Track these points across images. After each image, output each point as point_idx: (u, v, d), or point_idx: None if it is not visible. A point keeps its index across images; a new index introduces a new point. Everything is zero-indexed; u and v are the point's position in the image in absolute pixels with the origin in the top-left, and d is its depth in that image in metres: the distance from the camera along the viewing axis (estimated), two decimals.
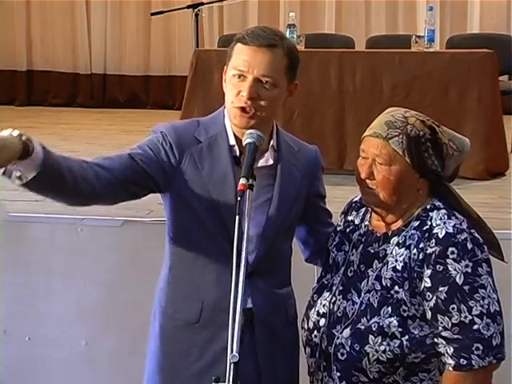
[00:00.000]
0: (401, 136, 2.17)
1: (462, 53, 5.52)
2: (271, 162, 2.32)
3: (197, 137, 2.33)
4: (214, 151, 2.31)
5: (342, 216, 2.41)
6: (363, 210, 2.35)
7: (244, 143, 2.19)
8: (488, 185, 5.06)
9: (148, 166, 2.26)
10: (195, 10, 6.36)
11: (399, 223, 2.22)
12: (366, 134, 2.24)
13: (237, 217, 2.01)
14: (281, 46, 2.25)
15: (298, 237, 2.52)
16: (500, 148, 5.31)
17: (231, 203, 2.25)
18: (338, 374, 2.18)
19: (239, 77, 2.23)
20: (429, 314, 2.13)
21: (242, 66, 2.23)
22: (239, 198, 2.02)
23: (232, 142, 2.31)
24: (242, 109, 2.23)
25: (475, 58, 5.29)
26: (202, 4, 6.56)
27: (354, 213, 2.37)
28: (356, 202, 2.39)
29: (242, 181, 2.06)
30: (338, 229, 2.39)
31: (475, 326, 2.09)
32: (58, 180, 2.06)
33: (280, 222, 2.33)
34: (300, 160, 2.39)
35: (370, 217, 2.30)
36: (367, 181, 2.21)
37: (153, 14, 7.32)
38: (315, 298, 2.32)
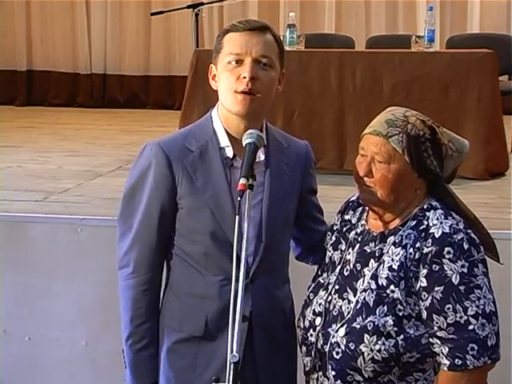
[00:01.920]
0: (401, 135, 2.17)
1: (462, 53, 5.53)
2: (262, 157, 2.31)
3: (188, 147, 2.30)
4: (206, 160, 2.29)
5: (339, 215, 2.40)
6: (360, 209, 2.34)
7: (244, 143, 2.18)
8: (488, 185, 5.06)
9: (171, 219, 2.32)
10: (195, 9, 6.37)
11: (396, 222, 2.22)
12: (365, 131, 2.23)
13: (237, 217, 2.00)
14: (269, 30, 2.27)
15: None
16: (500, 148, 5.32)
17: (228, 212, 2.25)
18: (333, 372, 2.17)
19: (236, 62, 2.22)
20: (424, 314, 2.12)
21: (239, 50, 2.22)
22: (239, 198, 2.02)
23: (224, 143, 2.29)
24: (244, 93, 2.22)
25: (475, 57, 5.29)
26: (202, 4, 6.56)
27: (351, 212, 2.36)
28: (353, 201, 2.38)
29: (242, 181, 2.05)
30: (335, 228, 2.38)
31: (470, 327, 2.08)
32: None
33: (274, 221, 2.32)
34: (290, 156, 2.38)
35: (367, 216, 2.30)
36: (365, 179, 2.20)
37: (153, 14, 7.33)
38: (311, 297, 2.31)
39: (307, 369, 2.28)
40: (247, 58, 2.22)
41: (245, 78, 2.21)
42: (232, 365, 1.85)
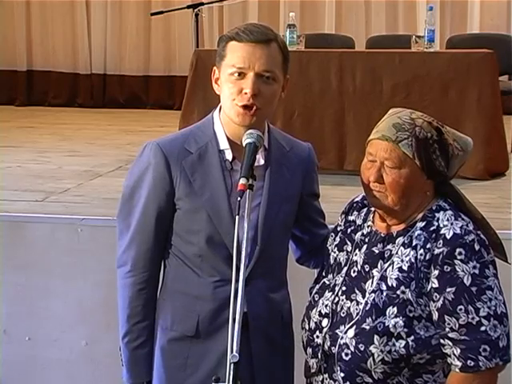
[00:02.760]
0: (410, 139, 2.15)
1: (462, 53, 5.53)
2: (262, 162, 2.30)
3: (187, 148, 2.29)
4: (205, 162, 2.28)
5: (343, 216, 2.38)
6: (365, 210, 2.33)
7: (244, 143, 2.18)
8: (488, 185, 5.06)
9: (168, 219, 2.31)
10: (195, 10, 6.37)
11: (405, 224, 2.21)
12: (373, 136, 2.21)
13: (237, 217, 2.00)
14: (275, 40, 2.24)
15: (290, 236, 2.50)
16: (500, 148, 5.31)
17: (225, 215, 2.25)
18: (342, 374, 2.17)
19: (239, 74, 2.21)
20: (435, 315, 2.12)
21: (242, 63, 2.20)
22: (239, 198, 2.01)
23: (224, 146, 2.29)
24: (245, 106, 2.21)
25: (475, 58, 5.29)
26: (202, 4, 6.56)
27: (356, 213, 2.35)
28: (357, 202, 2.37)
29: (242, 181, 2.05)
30: (339, 229, 2.37)
31: (482, 328, 2.08)
32: None
33: (271, 224, 2.31)
34: (291, 159, 2.37)
35: (373, 217, 2.29)
36: (375, 184, 2.18)
37: (153, 14, 7.34)
38: (316, 298, 2.30)
39: (313, 371, 2.27)
40: (250, 73, 2.20)
41: (246, 93, 2.20)
42: (232, 365, 1.85)
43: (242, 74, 2.21)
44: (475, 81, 5.23)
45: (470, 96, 5.21)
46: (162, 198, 2.29)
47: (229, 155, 2.29)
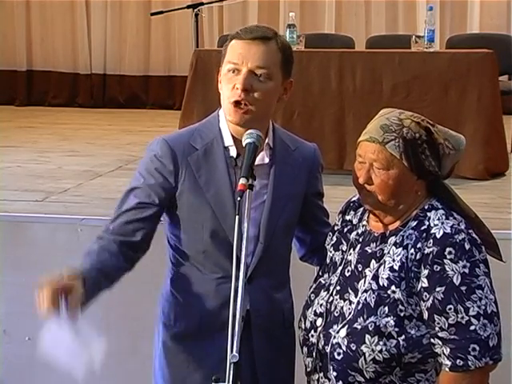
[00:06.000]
0: (397, 140, 2.16)
1: (462, 53, 5.52)
2: (267, 160, 2.31)
3: (193, 144, 2.31)
4: (211, 158, 2.29)
5: (340, 215, 2.40)
6: (361, 209, 2.34)
7: (244, 143, 2.18)
8: (488, 185, 5.05)
9: (155, 204, 2.30)
10: (195, 10, 6.38)
11: (397, 223, 2.22)
12: (361, 138, 2.22)
13: (237, 217, 2.00)
14: (274, 39, 2.25)
15: (294, 234, 2.51)
16: (500, 148, 5.31)
17: (229, 211, 2.25)
18: (335, 373, 2.18)
19: (233, 71, 2.22)
20: (425, 314, 2.12)
21: (236, 59, 2.22)
22: (239, 198, 2.02)
23: (228, 142, 2.30)
24: (237, 103, 2.22)
25: (475, 58, 5.29)
26: (202, 4, 6.57)
27: (352, 212, 2.36)
28: (354, 201, 2.38)
29: (242, 181, 2.05)
30: (336, 228, 2.38)
31: (472, 327, 2.08)
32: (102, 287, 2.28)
33: (275, 222, 2.32)
34: (296, 159, 2.38)
35: (368, 217, 2.30)
36: (365, 185, 2.20)
37: (153, 14, 7.34)
38: (312, 298, 2.31)
39: (308, 370, 2.28)
40: (243, 69, 2.21)
41: (237, 88, 2.21)
42: (232, 365, 1.85)
43: (236, 71, 2.22)
44: (475, 81, 5.23)
45: (470, 96, 5.21)
46: (164, 185, 2.29)
47: (233, 152, 2.30)
